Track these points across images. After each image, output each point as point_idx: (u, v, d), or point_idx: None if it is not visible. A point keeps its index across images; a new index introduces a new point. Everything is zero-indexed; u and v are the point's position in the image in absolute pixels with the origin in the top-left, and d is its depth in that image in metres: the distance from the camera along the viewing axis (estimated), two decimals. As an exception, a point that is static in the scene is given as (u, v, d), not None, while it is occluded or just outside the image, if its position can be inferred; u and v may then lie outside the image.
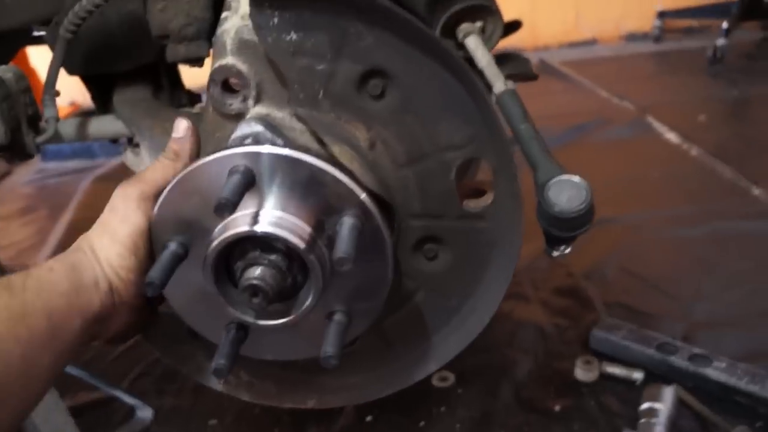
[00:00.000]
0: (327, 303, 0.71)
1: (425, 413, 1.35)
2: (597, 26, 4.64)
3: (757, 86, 3.35)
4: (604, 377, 1.42)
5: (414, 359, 0.88)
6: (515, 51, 1.23)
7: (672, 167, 2.49)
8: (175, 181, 0.67)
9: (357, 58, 0.72)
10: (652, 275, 1.76)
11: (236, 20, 0.71)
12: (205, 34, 1.07)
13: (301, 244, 0.65)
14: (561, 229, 0.80)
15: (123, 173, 3.19)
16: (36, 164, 3.25)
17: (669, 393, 1.28)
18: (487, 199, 0.82)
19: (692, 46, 4.15)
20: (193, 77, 1.43)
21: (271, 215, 0.65)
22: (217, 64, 0.67)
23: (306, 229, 0.66)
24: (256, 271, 0.65)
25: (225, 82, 0.68)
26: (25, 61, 2.81)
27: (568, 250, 0.85)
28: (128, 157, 1.31)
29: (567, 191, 0.79)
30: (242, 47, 0.67)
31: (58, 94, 1.08)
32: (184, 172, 0.67)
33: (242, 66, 0.68)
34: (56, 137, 1.20)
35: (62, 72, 1.27)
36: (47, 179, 3.07)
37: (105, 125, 1.25)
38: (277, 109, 0.74)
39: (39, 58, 2.34)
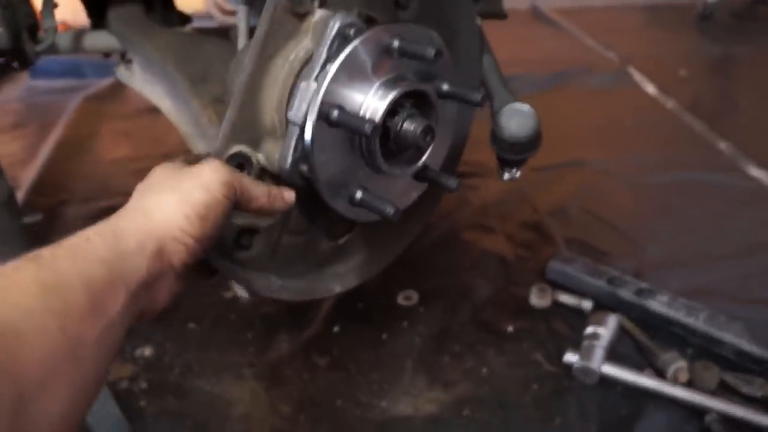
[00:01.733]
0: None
1: (389, 327, 1.47)
2: (592, -25, 4.64)
3: (740, 45, 3.42)
4: (557, 305, 1.53)
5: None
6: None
7: (646, 117, 2.57)
8: (341, 59, 0.73)
9: None
10: (612, 217, 1.87)
11: None
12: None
13: (434, 94, 0.80)
14: (510, 152, 0.90)
15: (112, 93, 3.19)
16: (25, 82, 3.27)
17: (612, 319, 1.40)
18: None
19: (684, 2, 4.18)
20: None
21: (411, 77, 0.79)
22: None
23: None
24: (418, 119, 0.77)
25: None
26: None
27: (518, 174, 0.94)
28: (121, 72, 1.38)
29: (517, 118, 0.89)
30: None
31: (56, 6, 1.14)
32: (348, 50, 0.73)
33: None
34: (52, 48, 1.26)
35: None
36: (36, 96, 3.09)
37: (99, 39, 1.31)
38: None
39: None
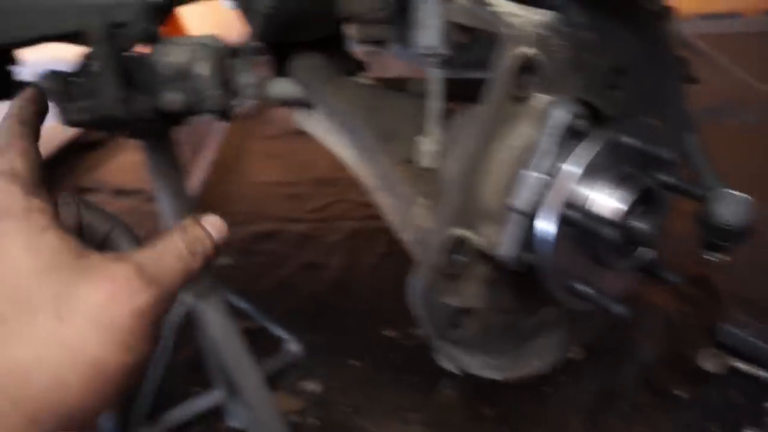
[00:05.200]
0: None
1: (551, 380, 1.43)
2: (742, -2, 4.40)
3: None
4: (730, 371, 1.44)
5: None
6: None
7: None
8: (582, 160, 0.71)
9: (613, 55, 0.83)
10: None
11: (527, 14, 0.76)
12: (390, 20, 1.15)
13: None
14: (720, 239, 0.85)
15: (258, 113, 3.34)
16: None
17: (797, 395, 1.31)
18: None
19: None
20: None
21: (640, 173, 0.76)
22: (520, 51, 0.72)
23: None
24: (651, 218, 0.73)
25: (524, 69, 0.75)
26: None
27: (727, 258, 0.90)
28: (301, 118, 1.42)
29: (732, 206, 0.84)
30: (536, 40, 0.74)
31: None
32: (588, 151, 0.71)
33: (538, 56, 0.75)
34: (241, 97, 1.32)
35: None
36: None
37: (284, 88, 1.35)
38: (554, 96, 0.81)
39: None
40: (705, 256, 0.92)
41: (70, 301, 0.43)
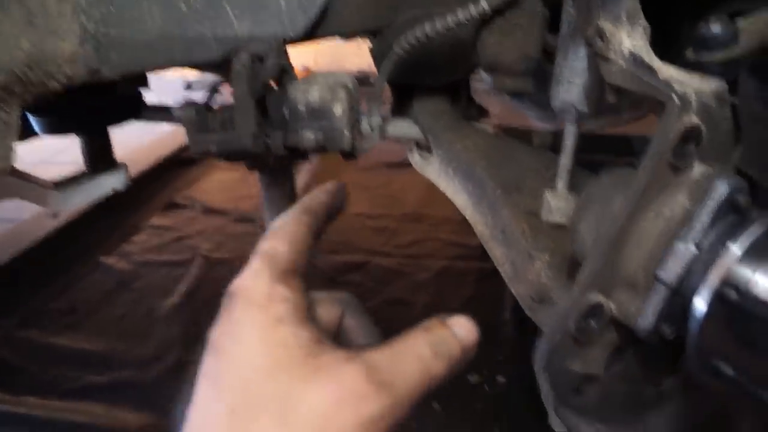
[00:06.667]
0: None
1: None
2: None
3: None
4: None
5: None
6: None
7: None
8: (746, 238, 0.68)
9: None
10: None
11: (692, 82, 0.75)
12: (532, 72, 1.16)
13: None
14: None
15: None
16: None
17: None
18: None
19: None
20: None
21: None
22: (687, 121, 0.72)
23: None
24: None
25: (687, 138, 0.74)
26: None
27: None
28: (415, 158, 1.43)
29: None
30: (701, 109, 0.73)
31: (383, 102, 1.21)
32: (756, 231, 0.68)
33: (702, 126, 0.74)
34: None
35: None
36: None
37: (403, 128, 1.36)
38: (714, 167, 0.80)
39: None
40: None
41: (295, 404, 0.41)
